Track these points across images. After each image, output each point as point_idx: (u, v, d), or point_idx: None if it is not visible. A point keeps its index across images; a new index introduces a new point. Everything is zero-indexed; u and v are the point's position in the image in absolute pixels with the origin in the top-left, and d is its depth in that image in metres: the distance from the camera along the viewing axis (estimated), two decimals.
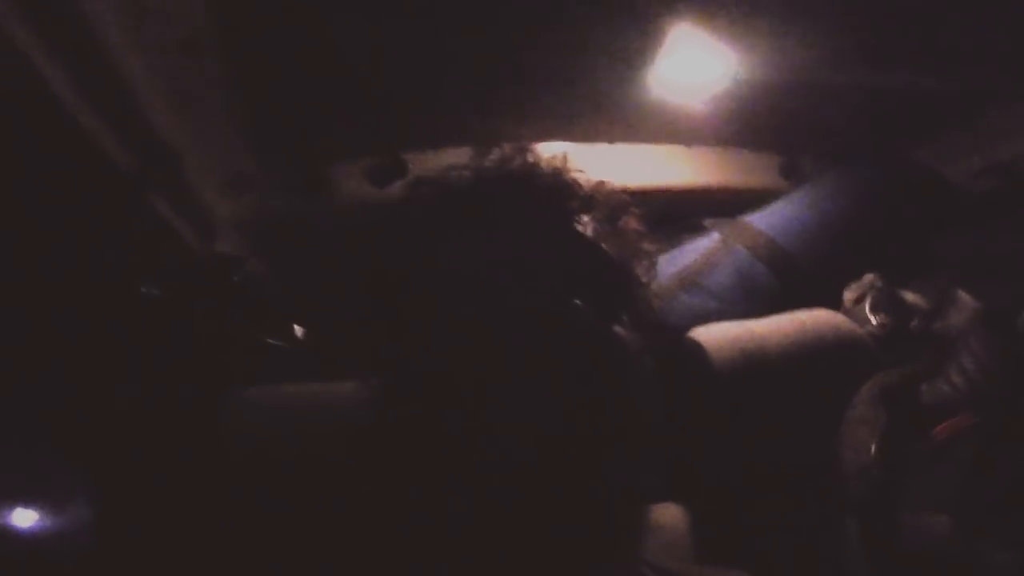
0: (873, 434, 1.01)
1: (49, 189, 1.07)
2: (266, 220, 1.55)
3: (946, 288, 1.21)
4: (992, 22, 1.21)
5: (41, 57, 0.90)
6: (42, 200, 1.07)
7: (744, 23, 1.24)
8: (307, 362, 1.34)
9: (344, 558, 0.82)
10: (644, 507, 0.84)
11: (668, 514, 1.08)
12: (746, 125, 1.58)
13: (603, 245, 0.72)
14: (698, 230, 1.47)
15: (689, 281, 1.35)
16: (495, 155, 0.77)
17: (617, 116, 1.58)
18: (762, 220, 1.43)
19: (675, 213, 1.54)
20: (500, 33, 1.28)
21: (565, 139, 1.65)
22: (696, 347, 1.12)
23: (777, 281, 1.37)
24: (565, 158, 0.78)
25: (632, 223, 0.78)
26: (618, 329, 0.70)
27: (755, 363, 1.12)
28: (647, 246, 0.80)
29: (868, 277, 1.29)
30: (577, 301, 0.67)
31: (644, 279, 0.78)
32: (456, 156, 1.61)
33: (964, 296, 1.18)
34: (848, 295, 1.30)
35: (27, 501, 1.20)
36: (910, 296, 1.22)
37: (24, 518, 1.21)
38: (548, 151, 1.58)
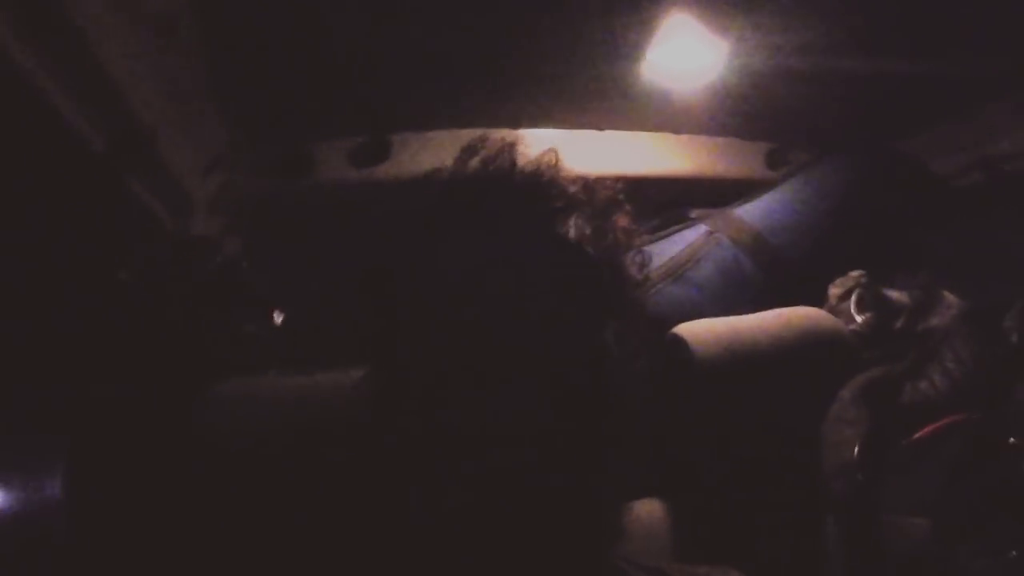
0: (856, 434, 1.01)
1: (19, 171, 1.04)
2: (245, 201, 1.51)
3: (931, 287, 1.20)
4: (985, 14, 1.20)
5: (9, 35, 0.87)
6: (12, 182, 1.04)
7: (736, 12, 1.23)
8: (286, 350, 1.32)
9: (331, 556, 0.81)
10: (625, 502, 0.84)
11: (648, 509, 1.08)
12: (735, 114, 1.57)
13: (590, 246, 0.71)
14: (685, 221, 1.46)
15: (675, 273, 1.35)
16: (482, 153, 0.75)
17: (606, 103, 1.57)
18: (748, 212, 1.42)
19: (662, 201, 1.53)
20: (490, 16, 1.25)
21: (553, 125, 1.63)
22: (680, 343, 1.11)
23: (762, 274, 1.37)
24: (555, 154, 0.76)
25: (622, 221, 0.77)
26: (608, 330, 0.70)
27: (738, 359, 1.12)
28: (638, 242, 0.79)
29: (854, 273, 1.28)
30: (565, 303, 0.67)
31: (636, 278, 0.77)
32: (441, 139, 1.63)
33: (948, 296, 1.18)
34: (833, 291, 1.30)
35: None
36: (895, 294, 1.22)
37: None
38: (535, 137, 1.57)
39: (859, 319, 1.22)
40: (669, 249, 1.39)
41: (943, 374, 1.02)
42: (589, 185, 0.76)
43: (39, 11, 0.88)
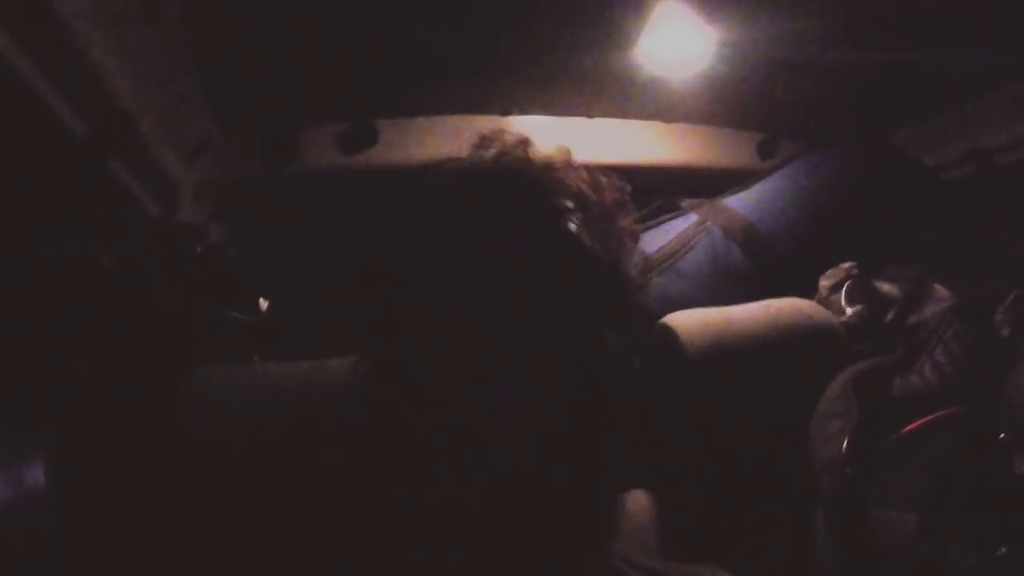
0: (845, 429, 1.00)
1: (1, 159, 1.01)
2: (231, 187, 1.49)
3: (922, 279, 1.20)
4: (978, 5, 1.19)
5: None
6: None
7: (727, 2, 1.21)
8: (273, 338, 1.31)
9: (322, 552, 0.80)
10: (617, 497, 0.84)
11: (637, 503, 1.08)
12: (726, 103, 1.56)
13: (595, 247, 0.70)
14: (675, 210, 1.45)
15: (664, 264, 1.34)
16: (493, 149, 0.74)
17: (597, 90, 1.55)
18: (739, 202, 1.42)
19: (652, 190, 1.52)
20: (481, 2, 1.24)
21: (542, 111, 1.62)
22: (669, 333, 1.11)
23: (752, 264, 1.36)
24: (566, 152, 0.75)
25: (627, 222, 0.77)
26: (607, 330, 0.70)
27: (728, 350, 1.11)
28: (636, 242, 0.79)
29: (845, 265, 1.28)
30: (568, 304, 0.67)
31: (638, 281, 0.77)
32: (429, 124, 1.61)
33: (940, 288, 1.18)
34: (824, 282, 1.29)
35: None
36: (886, 287, 1.22)
37: None
38: (524, 124, 1.56)
39: (849, 311, 1.22)
40: (659, 239, 1.39)
41: (934, 368, 1.02)
42: (598, 184, 0.75)
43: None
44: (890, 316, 1.19)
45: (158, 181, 1.32)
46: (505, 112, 1.60)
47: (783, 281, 1.28)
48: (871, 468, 0.97)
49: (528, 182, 0.71)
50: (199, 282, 1.30)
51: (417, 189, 0.76)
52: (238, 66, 1.28)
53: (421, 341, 0.67)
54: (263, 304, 1.36)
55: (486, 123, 1.59)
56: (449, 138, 1.59)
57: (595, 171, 0.75)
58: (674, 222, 1.42)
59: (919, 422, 0.97)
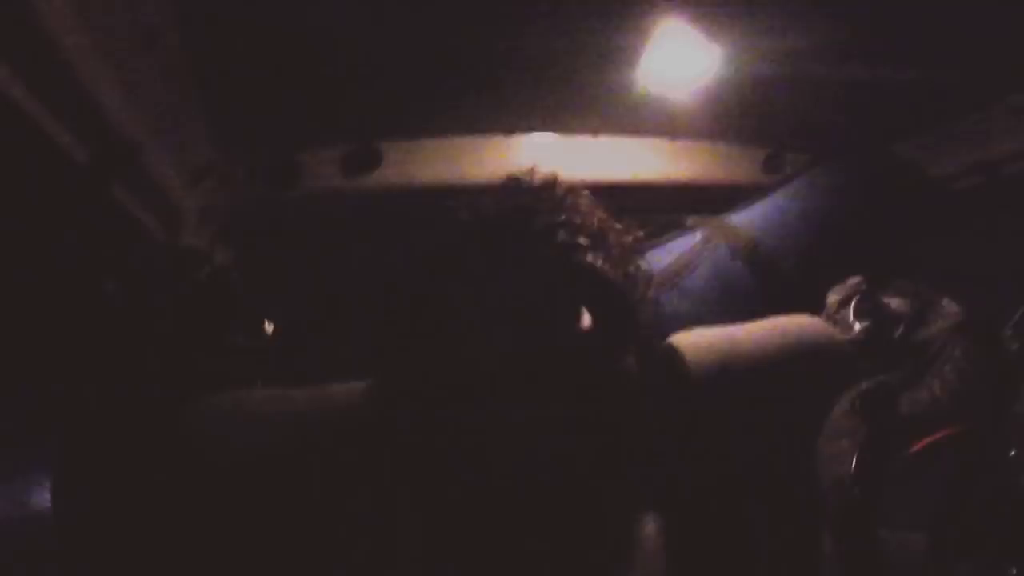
0: (853, 447, 0.99)
1: (5, 186, 1.02)
2: (234, 210, 1.50)
3: (929, 295, 1.18)
4: (981, 18, 1.19)
5: None
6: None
7: (731, 18, 1.21)
8: (276, 362, 1.31)
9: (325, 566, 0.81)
10: (626, 518, 0.85)
11: (648, 524, 1.06)
12: (730, 120, 1.56)
13: (612, 283, 0.74)
14: (680, 228, 1.44)
15: (668, 282, 1.33)
16: (524, 187, 0.78)
17: (601, 109, 1.55)
18: (744, 219, 1.41)
19: (657, 207, 1.52)
20: (484, 22, 1.24)
21: (547, 130, 1.62)
22: (674, 353, 1.10)
23: (757, 282, 1.35)
24: (588, 196, 0.78)
25: (642, 266, 0.81)
26: (621, 359, 0.74)
27: (734, 369, 1.10)
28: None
29: (852, 280, 1.26)
30: (586, 334, 0.70)
31: (650, 321, 0.82)
32: (434, 146, 1.61)
33: (948, 303, 1.16)
34: (832, 298, 1.27)
35: None
36: (894, 302, 1.20)
37: None
38: (530, 143, 1.56)
39: (857, 327, 1.20)
40: (664, 257, 1.38)
41: (942, 384, 1.01)
42: (614, 229, 0.78)
43: (16, 29, 0.87)
44: (898, 332, 1.17)
45: (162, 206, 1.33)
46: (510, 132, 1.61)
47: (789, 298, 1.26)
48: (880, 486, 0.96)
49: (546, 220, 0.73)
50: (203, 306, 1.30)
51: (436, 219, 0.79)
52: (239, 90, 1.29)
53: (442, 373, 0.70)
54: (267, 328, 1.36)
55: (490, 143, 1.59)
56: (454, 159, 1.59)
57: (612, 214, 0.79)
58: (679, 240, 1.42)
59: (928, 440, 0.95)
